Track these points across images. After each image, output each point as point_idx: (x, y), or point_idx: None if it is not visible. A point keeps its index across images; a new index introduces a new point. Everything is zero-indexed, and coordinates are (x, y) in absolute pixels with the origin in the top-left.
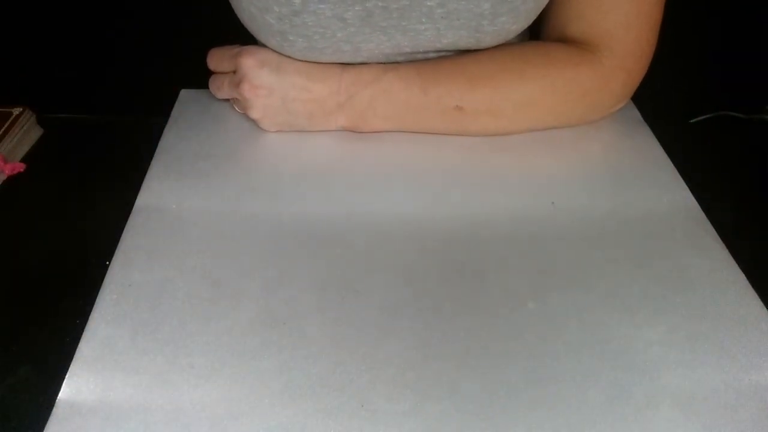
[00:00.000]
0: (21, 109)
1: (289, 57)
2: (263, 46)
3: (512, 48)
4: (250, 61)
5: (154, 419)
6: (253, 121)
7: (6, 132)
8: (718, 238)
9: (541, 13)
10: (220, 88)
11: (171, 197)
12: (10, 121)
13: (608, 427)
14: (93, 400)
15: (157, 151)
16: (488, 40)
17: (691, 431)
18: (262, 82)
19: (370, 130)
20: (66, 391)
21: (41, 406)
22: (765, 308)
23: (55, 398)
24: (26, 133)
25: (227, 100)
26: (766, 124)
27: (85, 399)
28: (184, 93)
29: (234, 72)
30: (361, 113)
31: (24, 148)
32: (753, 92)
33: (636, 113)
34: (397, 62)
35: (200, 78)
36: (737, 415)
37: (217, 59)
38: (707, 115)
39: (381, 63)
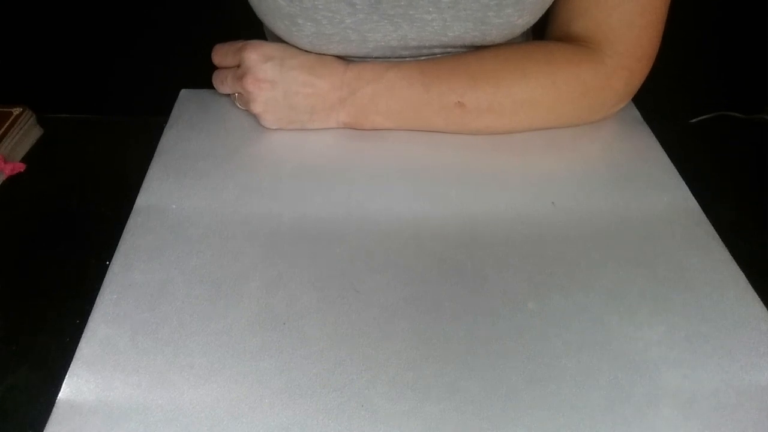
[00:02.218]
0: (21, 109)
1: (293, 52)
2: (267, 41)
3: (515, 47)
4: (254, 55)
5: (154, 419)
6: (255, 116)
7: (6, 132)
8: (718, 238)
9: (546, 12)
10: (223, 82)
11: (171, 197)
12: (10, 121)
13: (608, 427)
14: (93, 400)
15: (157, 151)
16: (494, 34)
17: (691, 431)
18: (265, 75)
19: (370, 127)
20: (66, 391)
21: (41, 406)
22: (765, 308)
23: (55, 398)
24: (26, 133)
25: (228, 98)
26: (766, 124)
27: (85, 399)
28: (184, 93)
29: (238, 66)
30: (363, 109)
31: (24, 148)
32: (753, 92)
33: (636, 113)
34: (402, 58)
35: (200, 78)
36: (737, 415)
37: (221, 54)
38: (707, 115)
39: (384, 61)
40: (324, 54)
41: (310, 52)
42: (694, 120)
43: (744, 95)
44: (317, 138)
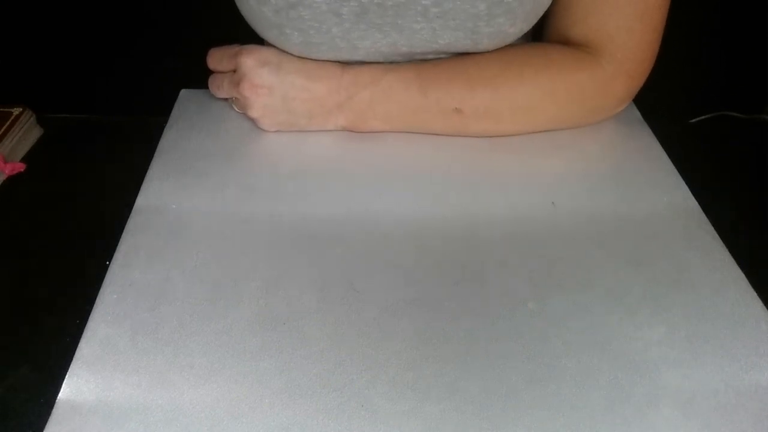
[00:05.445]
0: (21, 109)
1: (290, 57)
2: (263, 45)
3: (513, 50)
4: (250, 61)
5: (154, 419)
6: (252, 121)
7: (6, 132)
8: (718, 238)
9: (543, 16)
10: (219, 87)
11: (171, 197)
12: (10, 121)
13: (608, 427)
14: (93, 400)
15: (157, 151)
16: (486, 43)
17: (691, 431)
18: (262, 81)
19: (369, 130)
20: (66, 391)
21: (41, 406)
22: (765, 308)
23: (55, 398)
24: (26, 133)
25: (227, 99)
26: (766, 124)
27: (85, 399)
28: (184, 93)
29: (234, 71)
30: (360, 113)
31: (24, 148)
32: (753, 92)
33: (636, 113)
34: (397, 63)
35: (200, 78)
36: (737, 415)
37: (216, 59)
38: (707, 115)
39: (381, 64)
40: (319, 61)
41: (306, 59)
42: (694, 120)
43: (744, 95)
44: (317, 138)
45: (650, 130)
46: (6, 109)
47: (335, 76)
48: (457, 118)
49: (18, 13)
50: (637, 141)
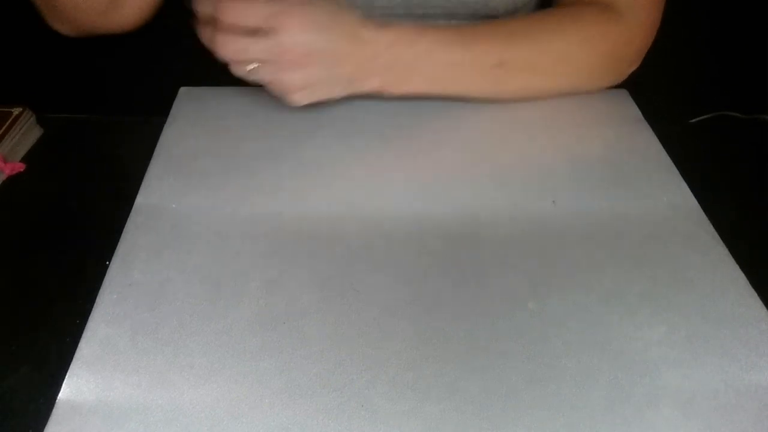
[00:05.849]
0: (21, 109)
1: (336, 17)
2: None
3: (545, 10)
4: (293, 23)
5: (154, 419)
6: (282, 94)
7: (6, 132)
8: (718, 238)
9: None
10: (243, 52)
11: (171, 197)
12: (10, 121)
13: (608, 427)
14: (93, 400)
15: (156, 149)
16: None
17: (691, 431)
18: (311, 48)
19: (405, 92)
20: (66, 391)
21: (41, 406)
22: (765, 308)
23: (55, 398)
24: (26, 133)
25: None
26: (766, 124)
27: (85, 399)
28: (183, 90)
29: (260, 32)
30: (400, 74)
31: (24, 148)
32: (753, 92)
33: (636, 113)
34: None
35: (201, 77)
36: (737, 415)
37: (240, 9)
38: (707, 115)
39: (414, 26)
40: (358, 20)
41: (346, 19)
42: (694, 120)
43: (744, 95)
44: (318, 137)
45: (651, 130)
46: (6, 109)
47: (374, 40)
48: (499, 73)
49: (18, 13)
50: (637, 141)
